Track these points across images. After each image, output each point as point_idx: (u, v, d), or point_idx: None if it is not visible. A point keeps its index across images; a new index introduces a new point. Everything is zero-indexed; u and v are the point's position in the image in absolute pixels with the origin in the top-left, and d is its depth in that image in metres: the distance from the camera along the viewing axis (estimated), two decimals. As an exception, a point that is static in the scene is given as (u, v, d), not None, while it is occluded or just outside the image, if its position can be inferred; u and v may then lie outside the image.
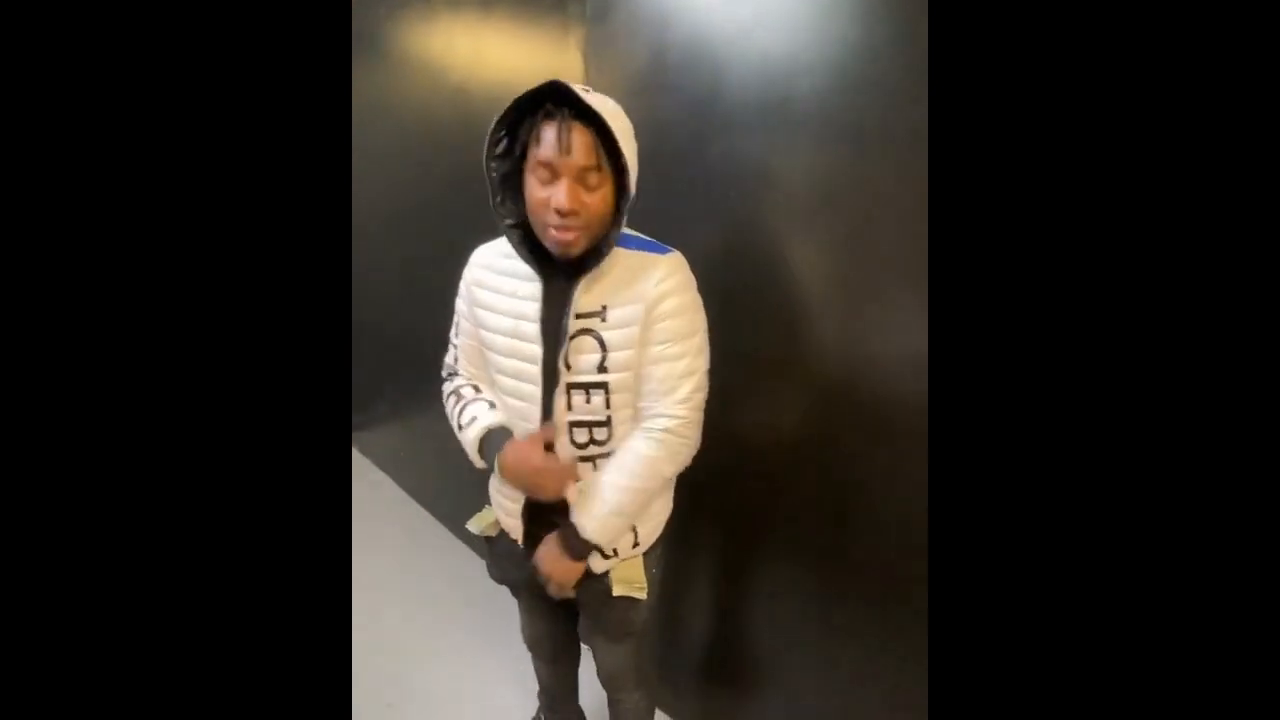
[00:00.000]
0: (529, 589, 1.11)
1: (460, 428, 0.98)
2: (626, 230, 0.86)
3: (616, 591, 0.97)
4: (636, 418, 0.91)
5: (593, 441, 0.90)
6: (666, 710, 1.51)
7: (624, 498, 0.89)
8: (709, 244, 1.14)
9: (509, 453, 0.90)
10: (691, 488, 1.05)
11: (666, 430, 0.88)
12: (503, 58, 1.54)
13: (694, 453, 0.93)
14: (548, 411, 0.89)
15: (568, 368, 0.86)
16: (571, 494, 0.90)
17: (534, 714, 1.45)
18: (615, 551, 0.96)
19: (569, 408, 0.88)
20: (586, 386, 0.87)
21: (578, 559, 0.92)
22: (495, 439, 0.93)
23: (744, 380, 1.17)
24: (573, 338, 0.85)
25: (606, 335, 0.85)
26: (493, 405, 0.97)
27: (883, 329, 0.97)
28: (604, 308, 0.85)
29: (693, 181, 1.14)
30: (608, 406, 0.88)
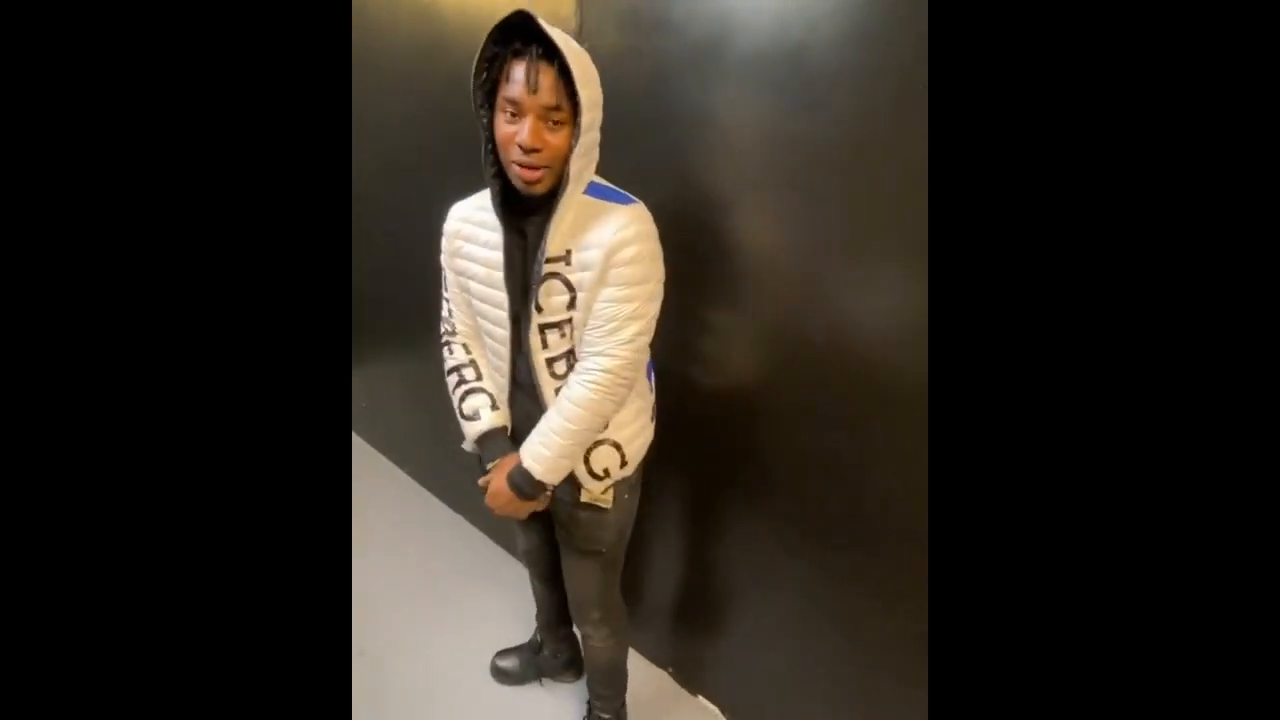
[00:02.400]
0: None
1: (462, 415, 1.06)
2: (596, 179, 0.91)
3: (583, 498, 1.03)
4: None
5: (571, 370, 0.97)
6: (643, 653, 1.57)
7: (570, 441, 0.95)
8: (704, 197, 1.10)
9: (501, 469, 1.02)
10: (667, 437, 1.10)
11: (606, 370, 0.91)
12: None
13: (629, 392, 0.97)
14: (518, 348, 0.98)
15: (539, 310, 0.92)
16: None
17: (532, 634, 1.52)
18: (607, 472, 1.01)
19: (544, 345, 0.95)
20: (559, 324, 0.93)
21: (527, 499, 1.00)
22: (494, 444, 1.05)
23: (732, 339, 1.16)
24: (542, 282, 0.90)
25: (572, 278, 0.90)
26: (494, 400, 1.05)
27: (887, 295, 0.95)
28: (568, 252, 0.89)
29: (692, 130, 1.09)
30: (572, 339, 0.95)
